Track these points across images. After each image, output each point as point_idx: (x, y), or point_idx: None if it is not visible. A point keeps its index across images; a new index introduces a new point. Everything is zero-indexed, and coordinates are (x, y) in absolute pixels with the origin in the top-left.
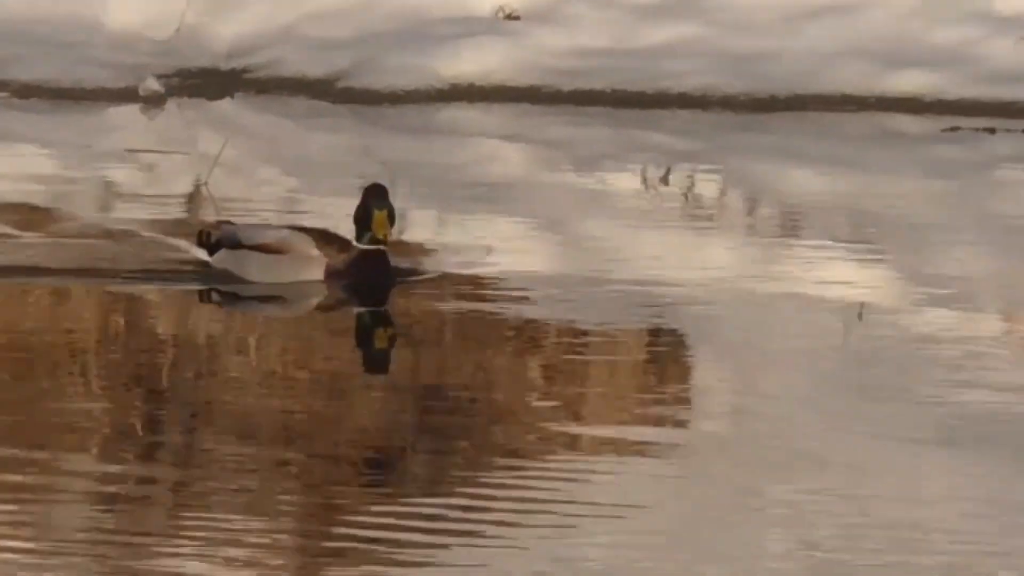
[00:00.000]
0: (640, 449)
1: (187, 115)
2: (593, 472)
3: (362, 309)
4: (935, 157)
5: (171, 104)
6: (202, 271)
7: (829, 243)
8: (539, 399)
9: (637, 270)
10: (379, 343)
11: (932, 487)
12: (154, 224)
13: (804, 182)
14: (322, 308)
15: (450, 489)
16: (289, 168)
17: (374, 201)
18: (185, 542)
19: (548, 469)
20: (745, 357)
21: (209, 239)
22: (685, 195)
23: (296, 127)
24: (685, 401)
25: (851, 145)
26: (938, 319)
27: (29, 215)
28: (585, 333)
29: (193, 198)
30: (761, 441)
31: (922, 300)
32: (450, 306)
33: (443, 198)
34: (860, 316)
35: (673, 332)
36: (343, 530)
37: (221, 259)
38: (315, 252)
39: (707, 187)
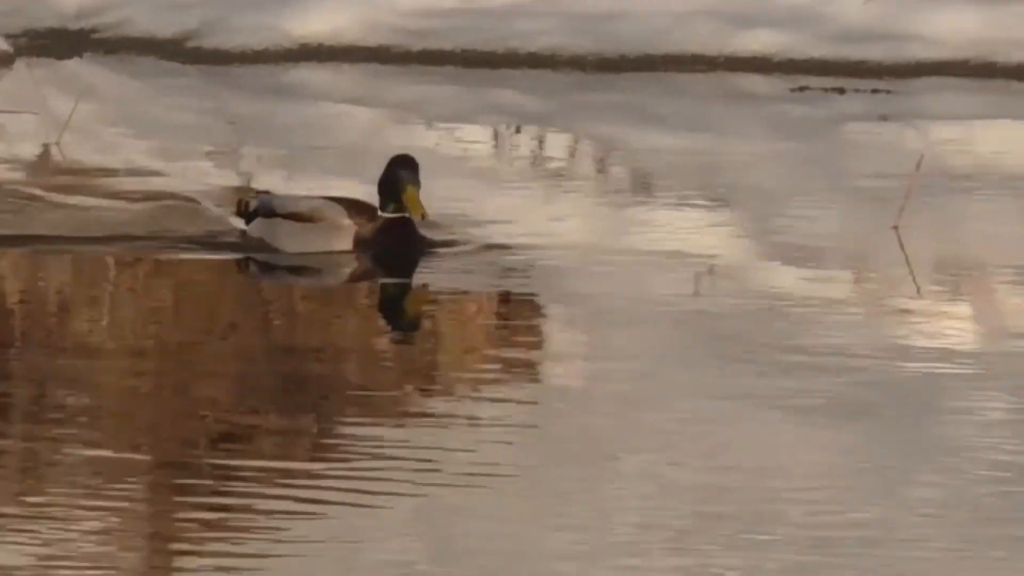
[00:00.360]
0: (494, 414)
1: (36, 75)
2: (446, 438)
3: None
4: (784, 116)
5: (19, 64)
6: (240, 240)
7: (679, 202)
8: (390, 363)
9: (488, 231)
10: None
11: (786, 452)
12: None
13: (654, 141)
14: (347, 279)
15: (300, 455)
16: (140, 130)
17: (406, 176)
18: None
19: (402, 438)
20: (598, 318)
21: (247, 208)
22: (535, 155)
23: (145, 88)
24: (538, 363)
25: (701, 105)
26: (788, 278)
27: None
28: (437, 295)
29: (43, 159)
30: (616, 404)
31: (772, 259)
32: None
33: (293, 159)
34: (709, 275)
35: (525, 293)
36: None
37: (256, 228)
38: (345, 221)
39: (557, 147)
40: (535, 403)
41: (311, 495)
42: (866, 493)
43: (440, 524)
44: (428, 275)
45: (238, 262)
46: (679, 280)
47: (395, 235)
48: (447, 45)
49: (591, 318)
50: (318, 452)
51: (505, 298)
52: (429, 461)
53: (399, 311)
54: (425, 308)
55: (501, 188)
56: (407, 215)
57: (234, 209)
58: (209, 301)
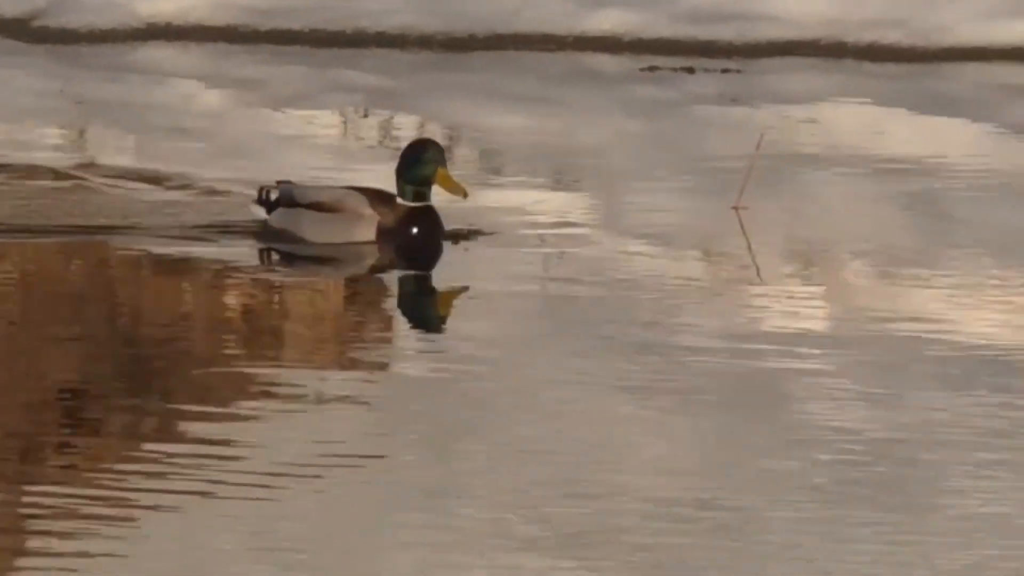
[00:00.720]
0: (343, 398)
1: None
2: (293, 422)
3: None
4: (634, 97)
5: None
6: (262, 230)
7: (528, 182)
8: (238, 347)
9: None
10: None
11: (636, 436)
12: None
13: (503, 121)
14: (372, 270)
15: (141, 445)
16: None
17: (433, 157)
18: None
19: (247, 422)
20: (448, 300)
21: (268, 197)
22: (383, 134)
23: None
24: (387, 347)
25: (550, 84)
26: (638, 260)
27: None
28: (285, 279)
29: None
30: (468, 388)
31: (620, 241)
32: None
33: (141, 139)
34: (559, 257)
35: (375, 277)
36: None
37: (278, 218)
38: (368, 211)
39: (406, 126)
40: (381, 388)
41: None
42: (715, 475)
43: (273, 519)
44: (449, 264)
45: (259, 252)
46: (527, 262)
47: (419, 224)
48: (295, 25)
49: (440, 302)
50: (147, 433)
51: (355, 284)
52: (263, 447)
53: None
54: (275, 288)
55: (349, 169)
56: (430, 203)
57: (255, 198)
58: (58, 282)
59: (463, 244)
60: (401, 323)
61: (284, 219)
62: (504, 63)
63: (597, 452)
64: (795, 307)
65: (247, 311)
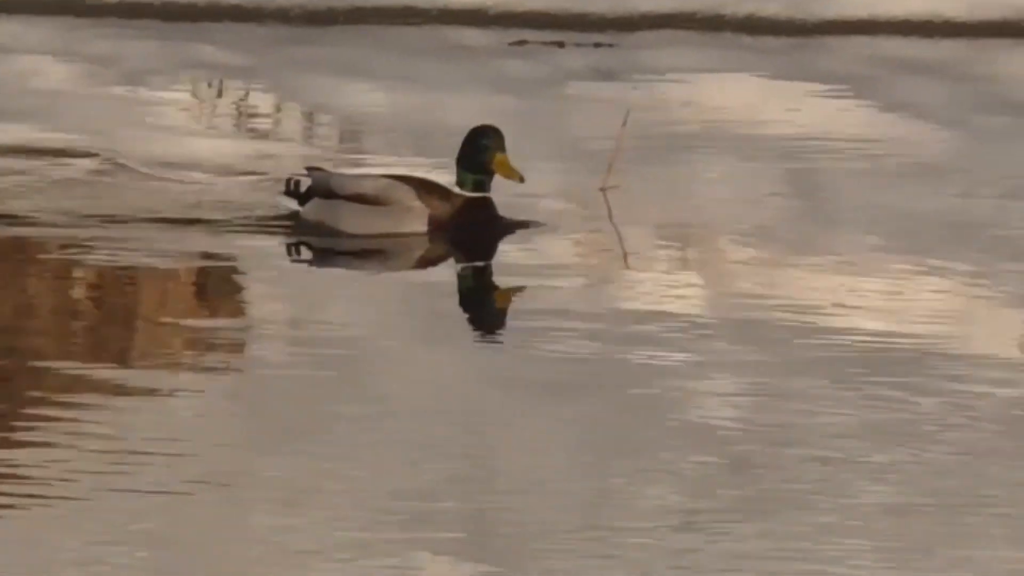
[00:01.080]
0: (192, 387)
1: None
2: (140, 414)
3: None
4: (502, 72)
5: None
6: (291, 223)
7: (390, 162)
8: (83, 338)
9: (187, 191)
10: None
11: (504, 428)
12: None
13: (365, 98)
14: (423, 262)
15: None
16: None
17: (491, 144)
18: None
19: (91, 414)
20: (305, 285)
21: (298, 188)
22: (239, 111)
23: None
24: (239, 334)
25: (414, 60)
26: (509, 242)
27: None
28: (132, 263)
29: None
30: (324, 375)
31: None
32: None
33: None
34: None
35: (226, 259)
36: None
37: (313, 210)
38: (417, 202)
39: (262, 103)
40: (235, 375)
41: None
42: (581, 466)
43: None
44: (506, 257)
45: (288, 246)
46: (391, 244)
47: (475, 216)
48: None
49: (301, 288)
50: None
51: (208, 270)
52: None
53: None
54: (122, 275)
55: (202, 145)
56: (488, 194)
57: (282, 189)
58: None
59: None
60: (251, 310)
61: (321, 211)
62: (366, 38)
63: (463, 445)
64: (664, 292)
65: (94, 302)
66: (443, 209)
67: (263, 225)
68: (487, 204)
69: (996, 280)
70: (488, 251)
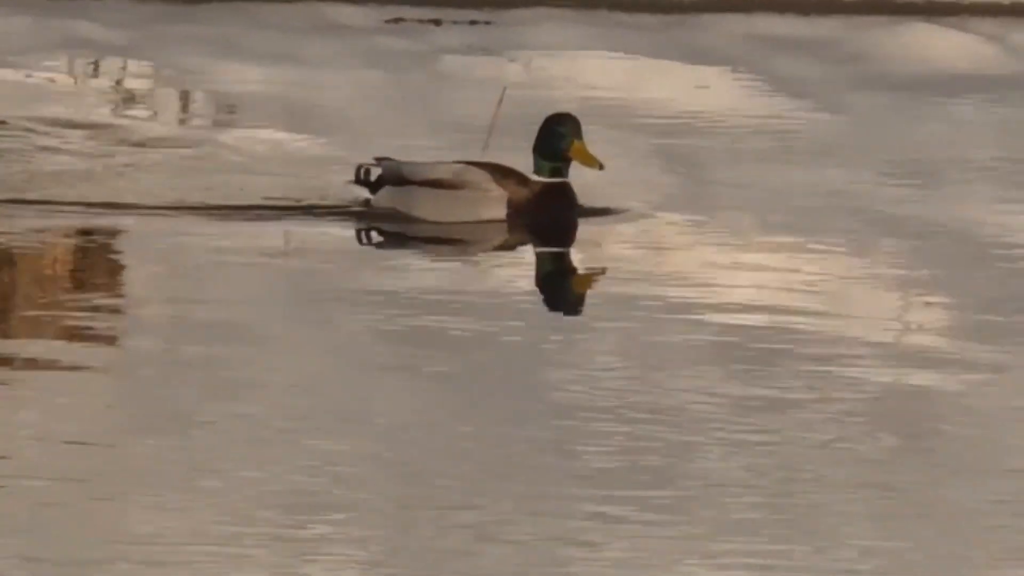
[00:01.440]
0: (72, 367)
1: None
2: (21, 396)
3: (543, 249)
4: (378, 49)
5: None
6: (362, 210)
7: (268, 137)
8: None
9: (63, 172)
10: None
11: (382, 411)
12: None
13: (241, 75)
14: (503, 247)
15: None
16: None
17: (568, 131)
18: None
19: None
20: (182, 267)
21: (368, 176)
22: (116, 89)
23: None
24: (116, 318)
25: (291, 37)
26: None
27: None
28: (11, 243)
29: None
30: (199, 359)
31: (358, 199)
32: None
33: None
34: (287, 243)
35: (104, 240)
36: None
37: (386, 197)
38: (494, 187)
39: (139, 81)
40: (112, 363)
41: None
42: (459, 452)
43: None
44: (586, 242)
45: (359, 232)
46: (266, 227)
47: (555, 201)
48: None
49: (173, 265)
50: None
51: (84, 245)
52: None
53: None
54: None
55: (76, 123)
56: (566, 180)
57: (352, 178)
58: None
59: None
60: (129, 291)
61: (395, 198)
62: (242, 15)
63: (345, 424)
64: (543, 271)
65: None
66: (522, 194)
67: (335, 212)
68: (566, 190)
69: (874, 259)
70: (566, 237)
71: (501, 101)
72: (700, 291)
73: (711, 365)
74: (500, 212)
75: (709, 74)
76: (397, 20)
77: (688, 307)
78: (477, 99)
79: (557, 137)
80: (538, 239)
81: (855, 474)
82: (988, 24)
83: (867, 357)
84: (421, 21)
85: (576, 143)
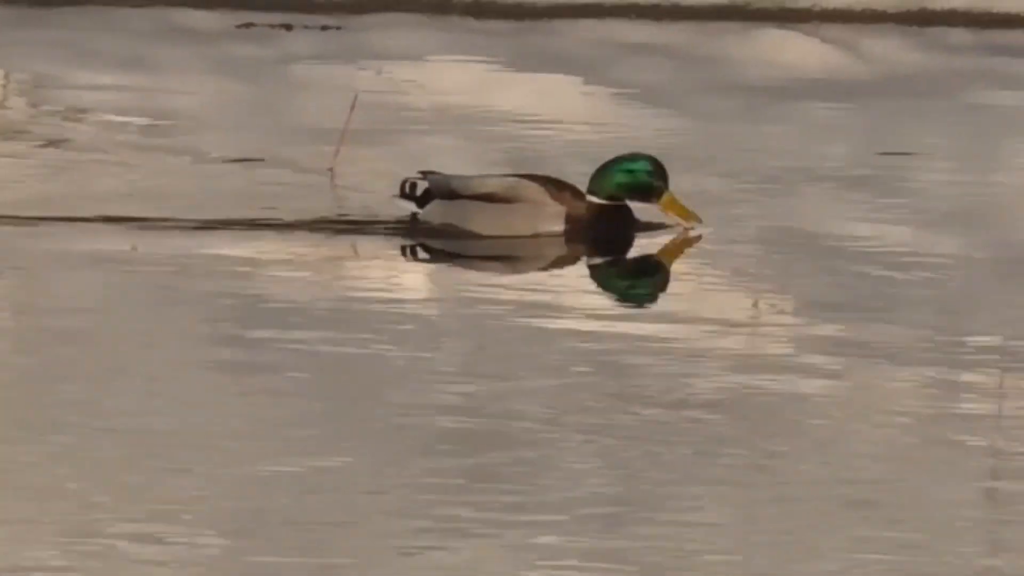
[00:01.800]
0: None
1: None
2: None
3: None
4: (228, 55)
5: None
6: (408, 225)
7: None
8: None
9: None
10: None
11: (224, 413)
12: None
13: (89, 81)
14: (557, 263)
15: None
16: None
17: (659, 181)
18: None
19: None
20: (36, 273)
21: (415, 190)
22: None
23: None
24: None
25: (139, 42)
26: (216, 235)
27: None
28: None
29: None
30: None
31: (212, 209)
32: None
33: None
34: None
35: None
36: None
37: (436, 211)
38: (551, 201)
39: None
40: None
41: None
42: (298, 455)
43: None
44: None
45: (404, 248)
46: (114, 233)
47: (614, 217)
48: None
49: (28, 272)
50: None
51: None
52: None
53: None
54: None
55: None
56: (626, 203)
57: (397, 192)
58: None
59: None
60: None
61: (447, 213)
62: (89, 19)
63: (185, 429)
64: (389, 279)
65: None
66: (579, 209)
67: (383, 229)
68: (624, 209)
69: (717, 260)
70: (623, 252)
71: (354, 106)
72: (552, 295)
73: (556, 376)
74: (557, 226)
75: (560, 80)
76: (247, 25)
77: (533, 307)
78: (329, 105)
79: (645, 185)
80: (596, 252)
81: (697, 474)
82: (840, 30)
83: (710, 359)
84: (272, 26)
85: (666, 195)
